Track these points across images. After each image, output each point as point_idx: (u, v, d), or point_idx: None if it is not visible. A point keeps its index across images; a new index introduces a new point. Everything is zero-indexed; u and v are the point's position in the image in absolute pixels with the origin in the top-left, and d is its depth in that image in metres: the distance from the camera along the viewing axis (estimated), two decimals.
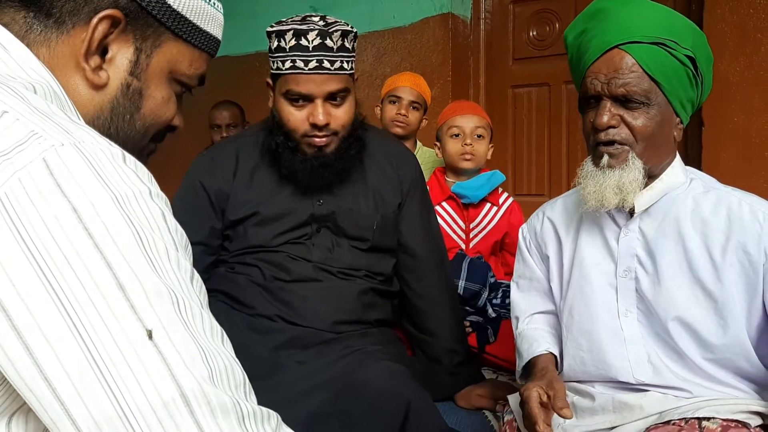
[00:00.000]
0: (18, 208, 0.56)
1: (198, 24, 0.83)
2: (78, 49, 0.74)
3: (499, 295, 2.30)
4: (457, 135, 2.47)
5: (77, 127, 0.63)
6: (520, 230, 1.59)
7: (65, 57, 0.74)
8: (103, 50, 0.76)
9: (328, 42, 1.61)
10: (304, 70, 1.62)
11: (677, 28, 1.25)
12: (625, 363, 1.31)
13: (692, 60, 1.24)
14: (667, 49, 1.22)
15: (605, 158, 1.26)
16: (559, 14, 3.52)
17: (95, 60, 0.76)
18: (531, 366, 1.42)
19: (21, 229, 0.56)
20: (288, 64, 1.62)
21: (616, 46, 1.23)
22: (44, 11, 0.73)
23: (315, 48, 1.60)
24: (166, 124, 0.87)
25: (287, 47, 1.61)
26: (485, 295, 2.26)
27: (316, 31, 1.60)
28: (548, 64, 3.54)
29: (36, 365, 0.56)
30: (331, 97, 1.66)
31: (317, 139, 1.69)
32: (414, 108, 2.81)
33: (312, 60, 1.61)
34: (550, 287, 1.49)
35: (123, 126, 0.80)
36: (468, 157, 2.46)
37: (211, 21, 0.85)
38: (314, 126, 1.66)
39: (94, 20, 0.73)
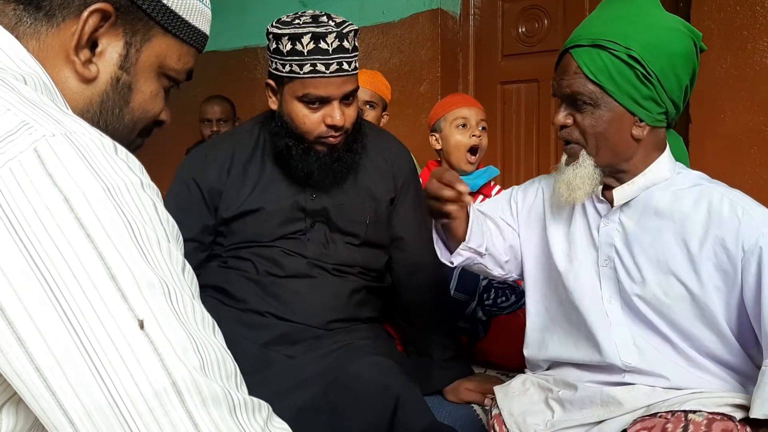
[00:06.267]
0: (9, 199, 0.56)
1: (187, 19, 0.83)
2: (68, 42, 0.74)
3: (492, 296, 2.30)
4: (463, 126, 2.45)
5: (68, 118, 0.63)
6: (512, 189, 1.58)
7: (55, 50, 0.74)
8: (93, 44, 0.76)
9: (345, 44, 1.62)
10: (325, 73, 1.61)
11: (624, 29, 1.24)
12: (612, 346, 1.33)
13: (636, 60, 1.22)
14: (608, 50, 1.23)
15: (564, 156, 1.34)
16: (548, 11, 3.52)
17: (85, 53, 0.75)
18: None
19: (12, 219, 0.56)
20: (307, 68, 1.61)
21: (566, 50, 1.30)
22: (34, 4, 0.73)
23: (335, 51, 1.60)
24: (153, 118, 0.87)
25: (305, 51, 1.59)
26: (473, 305, 2.26)
27: (334, 34, 1.59)
28: (537, 60, 3.54)
29: (27, 355, 0.56)
30: (345, 97, 1.67)
31: (332, 139, 1.70)
32: (370, 107, 2.79)
33: (333, 63, 1.61)
34: (510, 246, 1.53)
35: (112, 120, 0.81)
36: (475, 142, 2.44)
37: (200, 16, 0.86)
38: (331, 127, 1.67)
39: (85, 14, 0.73)
